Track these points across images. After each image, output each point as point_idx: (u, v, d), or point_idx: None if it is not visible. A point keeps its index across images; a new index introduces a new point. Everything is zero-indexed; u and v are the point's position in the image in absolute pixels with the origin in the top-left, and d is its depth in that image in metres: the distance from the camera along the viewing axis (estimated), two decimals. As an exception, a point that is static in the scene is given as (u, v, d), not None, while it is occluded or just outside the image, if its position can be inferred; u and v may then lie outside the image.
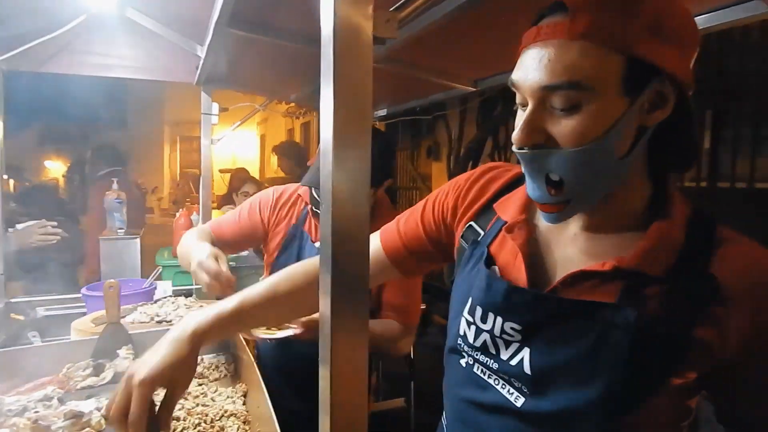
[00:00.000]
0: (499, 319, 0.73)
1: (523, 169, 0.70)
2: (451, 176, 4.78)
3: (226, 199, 3.71)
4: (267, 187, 1.79)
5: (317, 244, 1.52)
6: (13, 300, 1.95)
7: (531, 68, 0.63)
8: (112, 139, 4.92)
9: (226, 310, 0.86)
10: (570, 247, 0.73)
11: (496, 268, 0.77)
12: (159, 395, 0.78)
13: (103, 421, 0.93)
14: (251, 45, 1.62)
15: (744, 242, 0.66)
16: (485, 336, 0.75)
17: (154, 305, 1.74)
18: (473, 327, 0.76)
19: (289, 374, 1.54)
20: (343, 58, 0.47)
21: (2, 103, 1.91)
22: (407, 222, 0.96)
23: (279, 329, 1.28)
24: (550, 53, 0.61)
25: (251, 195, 3.23)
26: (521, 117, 0.66)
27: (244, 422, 1.07)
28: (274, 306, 0.93)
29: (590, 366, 0.64)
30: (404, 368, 2.87)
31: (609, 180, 0.66)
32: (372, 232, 0.95)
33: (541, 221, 0.76)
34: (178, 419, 1.03)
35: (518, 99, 0.68)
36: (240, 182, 3.46)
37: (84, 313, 1.68)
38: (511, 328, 0.71)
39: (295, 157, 3.93)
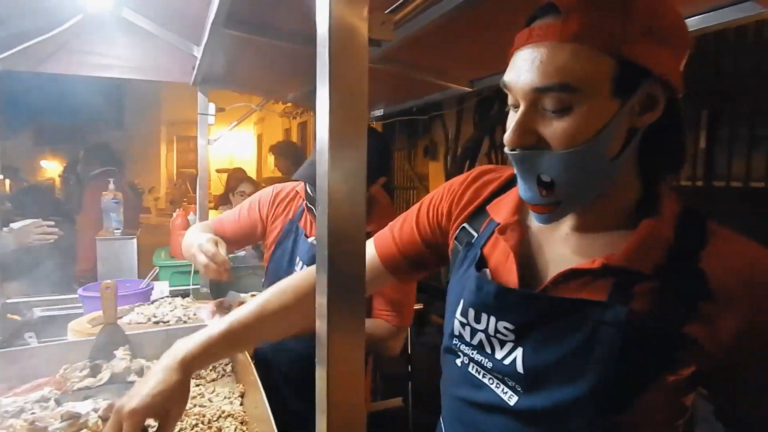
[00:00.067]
0: (493, 319, 0.73)
1: (514, 170, 0.71)
2: (448, 176, 4.78)
3: (223, 199, 3.70)
4: (264, 187, 1.81)
5: (310, 239, 1.53)
6: (9, 300, 1.95)
7: (523, 70, 0.64)
8: (108, 138, 4.90)
9: (214, 334, 0.86)
10: (562, 247, 0.74)
11: (487, 270, 0.77)
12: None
13: (100, 422, 0.93)
14: (248, 45, 1.62)
15: (733, 238, 0.66)
16: (481, 335, 0.75)
17: (151, 306, 1.74)
18: (468, 327, 0.77)
19: (286, 374, 1.54)
20: (338, 60, 0.47)
21: (-2, 103, 1.90)
22: (402, 228, 0.96)
23: None
24: (542, 55, 0.62)
25: (248, 195, 3.25)
26: (513, 118, 0.66)
27: (241, 423, 1.07)
28: (264, 325, 0.92)
29: (581, 363, 0.65)
30: (402, 368, 2.87)
31: (600, 181, 0.67)
32: (367, 231, 0.95)
33: (534, 222, 0.77)
34: (175, 420, 1.03)
35: (510, 100, 0.68)
36: (237, 182, 3.45)
37: (81, 314, 1.67)
38: (505, 328, 0.72)
39: (292, 157, 3.93)
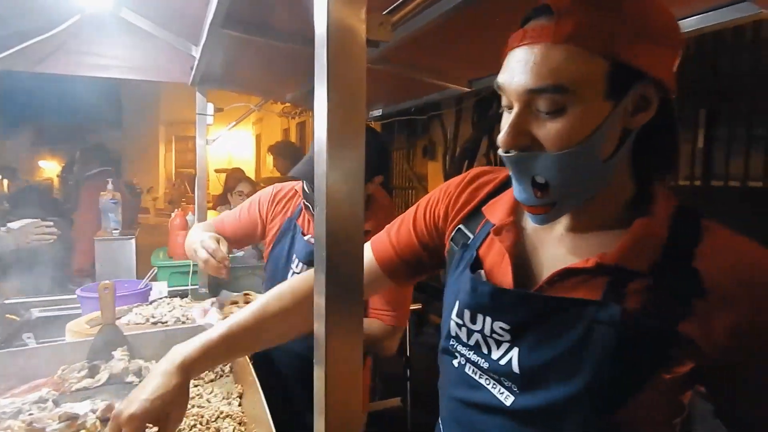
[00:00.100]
0: (488, 319, 0.73)
1: (509, 172, 0.71)
2: (446, 176, 4.78)
3: (222, 199, 3.70)
4: (263, 187, 1.82)
5: (306, 237, 1.54)
6: (7, 301, 1.95)
7: (516, 71, 0.64)
8: (107, 139, 4.90)
9: (214, 337, 0.85)
10: (556, 248, 0.74)
11: (482, 272, 0.77)
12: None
13: (98, 423, 0.93)
14: (246, 45, 1.62)
15: (728, 236, 0.66)
16: (477, 336, 0.75)
17: (150, 306, 1.74)
18: (464, 328, 0.77)
19: (285, 375, 1.54)
20: (336, 61, 0.47)
21: (-4, 103, 1.90)
22: (398, 230, 0.96)
23: None
24: (536, 56, 0.62)
25: (246, 194, 3.26)
26: (507, 119, 0.66)
27: (239, 423, 1.07)
28: (263, 328, 0.91)
29: (576, 362, 0.65)
30: (401, 368, 2.88)
31: (594, 182, 0.67)
32: (366, 229, 0.95)
33: (529, 223, 0.77)
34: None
35: (504, 101, 0.68)
36: (235, 182, 3.45)
37: (79, 315, 1.67)
38: (500, 328, 0.72)
39: (291, 157, 3.92)
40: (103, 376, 1.17)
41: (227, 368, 1.37)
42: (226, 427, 1.04)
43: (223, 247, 1.50)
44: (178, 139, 10.50)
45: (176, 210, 2.95)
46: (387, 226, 0.99)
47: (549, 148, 0.63)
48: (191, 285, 2.20)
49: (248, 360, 1.28)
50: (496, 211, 0.81)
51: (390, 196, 5.83)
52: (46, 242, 2.02)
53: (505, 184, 0.84)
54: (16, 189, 4.49)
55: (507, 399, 0.71)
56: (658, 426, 0.69)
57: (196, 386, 1.25)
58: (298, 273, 1.55)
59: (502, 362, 0.71)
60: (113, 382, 1.16)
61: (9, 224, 1.98)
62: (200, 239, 1.51)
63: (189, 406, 1.11)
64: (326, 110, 0.48)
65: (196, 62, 1.88)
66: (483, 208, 0.84)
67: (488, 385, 0.74)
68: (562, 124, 0.62)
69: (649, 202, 0.69)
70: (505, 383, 0.72)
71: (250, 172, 9.08)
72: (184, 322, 1.58)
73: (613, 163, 0.66)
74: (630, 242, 0.66)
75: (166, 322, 1.58)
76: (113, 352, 1.25)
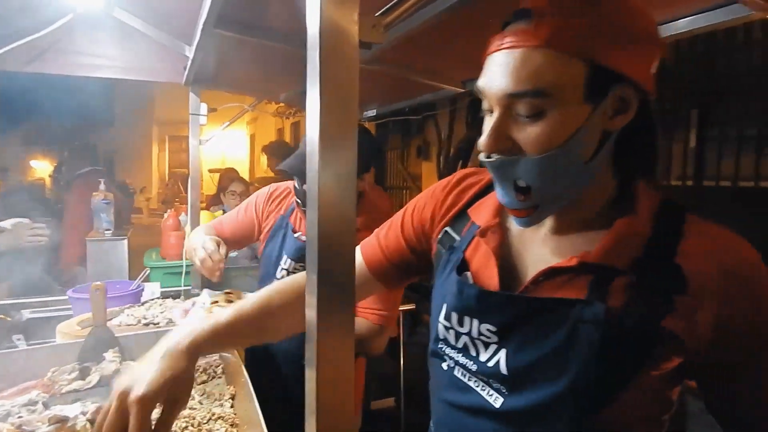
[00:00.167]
0: (476, 322, 0.74)
1: (491, 176, 0.71)
2: (441, 176, 4.79)
3: (215, 199, 3.69)
4: (256, 187, 1.84)
5: (296, 234, 1.56)
6: (-2, 302, 1.93)
7: (496, 75, 0.64)
8: (100, 139, 4.87)
9: (221, 321, 0.83)
10: (541, 248, 0.74)
11: (468, 273, 0.78)
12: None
13: (88, 425, 0.92)
14: (239, 45, 1.61)
15: (710, 230, 0.67)
16: (465, 338, 0.76)
17: (142, 307, 1.73)
18: (452, 331, 0.77)
19: (277, 376, 1.54)
20: (328, 63, 0.47)
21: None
22: (387, 234, 0.96)
23: None
24: (515, 60, 0.62)
25: (238, 194, 3.25)
26: (488, 123, 0.67)
27: (231, 425, 1.06)
28: (268, 319, 0.90)
29: (563, 362, 0.65)
30: (394, 368, 2.88)
31: (576, 184, 0.67)
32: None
33: (514, 224, 0.78)
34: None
35: (484, 105, 0.69)
36: (228, 182, 3.45)
37: (70, 316, 1.66)
38: (488, 330, 0.72)
39: (285, 157, 3.89)
40: (94, 378, 1.16)
41: (219, 370, 1.36)
42: (218, 429, 1.04)
43: (222, 250, 1.54)
44: (171, 139, 10.46)
45: (169, 211, 2.94)
46: (377, 229, 0.99)
47: (529, 152, 0.64)
48: (184, 286, 2.19)
49: (240, 361, 1.27)
50: (482, 213, 0.81)
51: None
52: (39, 244, 2.01)
53: (490, 186, 0.84)
54: (6, 189, 4.45)
55: (496, 401, 0.71)
56: (647, 422, 0.69)
57: (188, 388, 1.25)
58: (286, 269, 1.57)
59: (490, 364, 0.72)
60: (104, 384, 1.16)
61: (0, 223, 1.96)
62: (201, 241, 1.57)
63: (181, 408, 1.11)
64: (318, 112, 0.48)
65: (189, 62, 1.87)
66: (469, 210, 0.84)
67: (477, 387, 0.74)
68: (541, 128, 0.63)
69: (632, 201, 0.69)
70: (494, 385, 0.72)
71: (245, 172, 9.06)
72: (176, 324, 1.58)
73: (594, 164, 0.66)
74: (612, 241, 0.66)
75: (158, 324, 1.57)
76: (104, 354, 1.24)
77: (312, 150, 0.49)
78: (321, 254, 0.49)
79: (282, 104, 4.67)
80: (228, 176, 3.63)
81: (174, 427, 1.02)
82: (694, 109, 2.54)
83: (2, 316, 1.82)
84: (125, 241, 2.54)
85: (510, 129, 0.65)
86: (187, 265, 2.16)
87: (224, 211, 3.05)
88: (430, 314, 0.86)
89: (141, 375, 0.73)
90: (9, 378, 1.15)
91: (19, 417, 0.97)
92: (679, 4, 1.08)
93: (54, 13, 1.79)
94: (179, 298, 1.97)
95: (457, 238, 0.84)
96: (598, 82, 0.61)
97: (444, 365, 0.80)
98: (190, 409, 1.12)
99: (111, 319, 1.53)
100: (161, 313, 1.65)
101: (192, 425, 1.04)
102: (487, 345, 0.73)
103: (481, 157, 0.69)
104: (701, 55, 2.50)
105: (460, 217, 0.86)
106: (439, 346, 0.80)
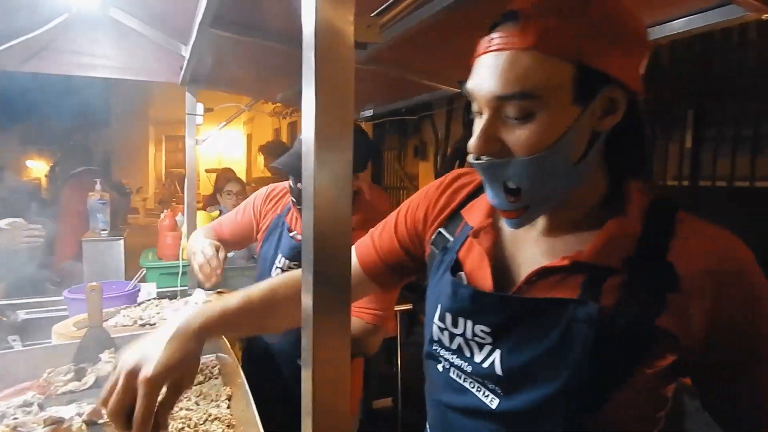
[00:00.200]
0: (470, 323, 0.74)
1: (481, 178, 0.71)
2: (438, 176, 4.76)
3: (212, 200, 3.68)
4: (253, 187, 1.84)
5: (292, 234, 1.57)
6: (-7, 303, 1.92)
7: (485, 78, 0.64)
8: (96, 138, 4.85)
9: (231, 305, 0.83)
10: (534, 248, 0.75)
11: (462, 274, 0.78)
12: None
13: (84, 426, 0.92)
14: (236, 45, 1.61)
15: (701, 228, 0.67)
16: (459, 339, 0.76)
17: (138, 308, 1.72)
18: (446, 332, 0.77)
19: (273, 377, 1.54)
20: (324, 63, 0.47)
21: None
22: (381, 235, 0.96)
23: None
24: (504, 62, 0.62)
25: (235, 194, 3.25)
26: (477, 125, 0.67)
27: (228, 426, 1.06)
28: (274, 308, 0.90)
29: (557, 362, 0.65)
30: (391, 368, 2.88)
31: (565, 184, 0.68)
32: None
33: (506, 225, 0.77)
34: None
35: (474, 107, 0.69)
36: (225, 182, 3.44)
37: (66, 317, 1.65)
38: (482, 331, 0.72)
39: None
40: (89, 379, 1.16)
41: (216, 370, 1.36)
42: (214, 430, 1.04)
43: (221, 255, 1.54)
44: (168, 139, 10.42)
45: (165, 211, 2.93)
46: (372, 229, 0.99)
47: (519, 154, 0.64)
48: (180, 286, 2.18)
49: (237, 362, 1.27)
50: (475, 214, 0.81)
51: (380, 195, 5.83)
52: (36, 245, 2.00)
53: (483, 186, 0.84)
54: (2, 189, 4.43)
55: (492, 402, 0.71)
56: (643, 420, 0.69)
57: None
58: (280, 267, 1.58)
59: (485, 365, 0.72)
60: (100, 385, 1.15)
61: None
62: (201, 245, 1.56)
63: (177, 409, 1.11)
64: (314, 112, 0.48)
65: (185, 62, 1.87)
66: (462, 211, 0.84)
67: (473, 388, 0.74)
68: (530, 130, 0.63)
69: (623, 201, 0.70)
70: (489, 386, 0.72)
71: (241, 172, 9.03)
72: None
73: (584, 165, 0.66)
74: (603, 240, 0.67)
75: (155, 324, 1.56)
76: (100, 355, 1.24)
77: (308, 150, 0.49)
78: (317, 254, 0.49)
79: (279, 104, 4.66)
80: (225, 176, 3.62)
81: (170, 428, 1.01)
82: (690, 109, 2.55)
83: (-2, 317, 1.81)
84: (121, 242, 2.53)
85: (499, 131, 0.65)
86: (183, 266, 2.16)
87: (221, 212, 3.05)
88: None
89: (149, 354, 0.72)
90: (4, 379, 1.15)
91: (15, 418, 0.96)
92: (674, 5, 1.08)
93: (49, 12, 1.78)
94: (176, 298, 1.96)
95: (451, 238, 0.84)
96: (586, 83, 0.61)
97: (439, 367, 0.80)
98: (186, 410, 1.11)
99: (107, 320, 1.53)
100: (157, 313, 1.64)
101: (188, 426, 1.04)
102: (481, 346, 0.73)
103: (471, 158, 0.69)
104: (697, 56, 2.51)
105: (453, 218, 0.86)
106: (434, 347, 0.80)
